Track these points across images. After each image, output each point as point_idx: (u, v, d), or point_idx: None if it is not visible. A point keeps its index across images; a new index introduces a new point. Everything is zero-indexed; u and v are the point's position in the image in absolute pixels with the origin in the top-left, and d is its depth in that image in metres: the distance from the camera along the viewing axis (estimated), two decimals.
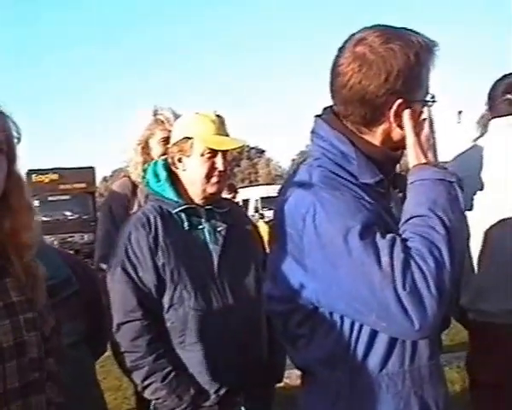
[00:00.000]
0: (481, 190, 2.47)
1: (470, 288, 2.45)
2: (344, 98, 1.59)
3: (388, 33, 1.55)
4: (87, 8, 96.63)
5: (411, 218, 1.49)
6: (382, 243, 1.41)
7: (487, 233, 2.48)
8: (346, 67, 1.55)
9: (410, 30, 1.59)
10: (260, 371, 2.32)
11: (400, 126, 1.59)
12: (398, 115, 1.57)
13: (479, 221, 2.41)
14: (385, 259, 1.38)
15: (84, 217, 19.32)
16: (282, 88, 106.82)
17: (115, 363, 2.29)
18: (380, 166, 1.63)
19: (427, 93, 1.62)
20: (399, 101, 1.55)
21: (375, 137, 1.62)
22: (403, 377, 1.53)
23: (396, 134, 1.61)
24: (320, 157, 1.62)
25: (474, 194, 2.48)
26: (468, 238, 2.38)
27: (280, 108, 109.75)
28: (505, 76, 2.72)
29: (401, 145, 1.63)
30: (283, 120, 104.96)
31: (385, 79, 1.52)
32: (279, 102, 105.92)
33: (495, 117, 2.67)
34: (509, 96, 2.64)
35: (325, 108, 1.69)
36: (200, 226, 2.32)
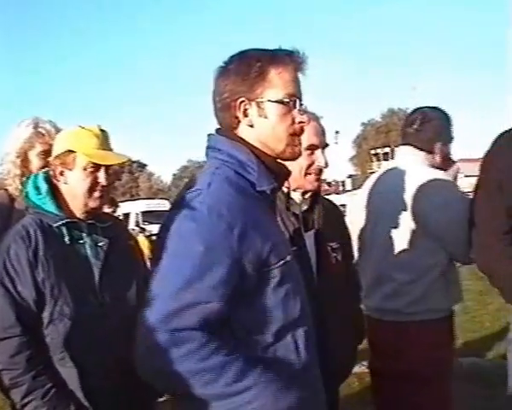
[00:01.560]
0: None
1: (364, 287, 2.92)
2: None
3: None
4: None
5: None
6: None
7: (364, 242, 2.94)
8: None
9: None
10: (142, 388, 2.32)
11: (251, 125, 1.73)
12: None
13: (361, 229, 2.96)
14: None
15: None
16: (165, 104, 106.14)
17: None
18: (274, 176, 1.75)
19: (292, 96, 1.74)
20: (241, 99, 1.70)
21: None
22: None
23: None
24: (220, 166, 1.70)
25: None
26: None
27: (162, 124, 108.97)
28: (416, 110, 3.15)
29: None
30: (165, 134, 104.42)
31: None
32: (162, 118, 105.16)
33: (403, 144, 3.10)
34: (414, 127, 3.07)
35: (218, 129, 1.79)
36: (82, 241, 2.30)
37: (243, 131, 1.74)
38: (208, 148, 1.78)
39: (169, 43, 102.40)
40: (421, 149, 3.02)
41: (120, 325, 2.18)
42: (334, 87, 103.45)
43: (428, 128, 3.05)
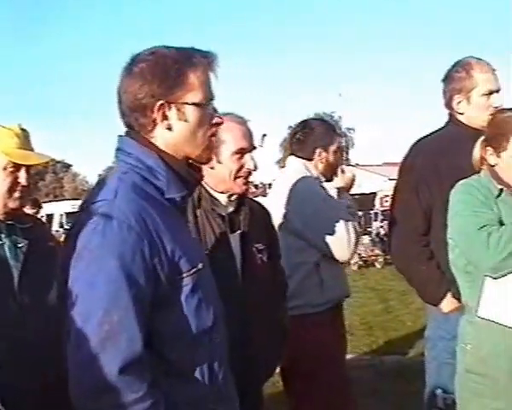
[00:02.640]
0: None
1: None
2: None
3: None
4: None
5: None
6: None
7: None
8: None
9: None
10: (65, 389, 2.27)
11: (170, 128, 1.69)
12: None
13: None
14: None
15: None
16: (92, 104, 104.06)
17: None
18: (184, 181, 1.71)
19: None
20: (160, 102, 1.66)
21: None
22: None
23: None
24: (127, 171, 1.65)
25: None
26: None
27: (88, 123, 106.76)
28: (301, 121, 3.43)
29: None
30: (91, 135, 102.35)
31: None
32: (87, 116, 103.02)
33: (289, 155, 3.36)
34: (296, 137, 3.34)
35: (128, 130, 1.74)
36: (0, 242, 2.23)
37: (160, 134, 1.68)
38: (118, 150, 1.73)
39: (90, 41, 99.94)
40: (303, 158, 3.24)
41: (40, 327, 2.14)
42: (262, 90, 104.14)
43: (309, 137, 3.26)
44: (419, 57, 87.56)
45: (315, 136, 3.25)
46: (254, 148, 2.52)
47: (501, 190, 2.50)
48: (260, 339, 2.36)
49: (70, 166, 64.97)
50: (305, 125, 3.35)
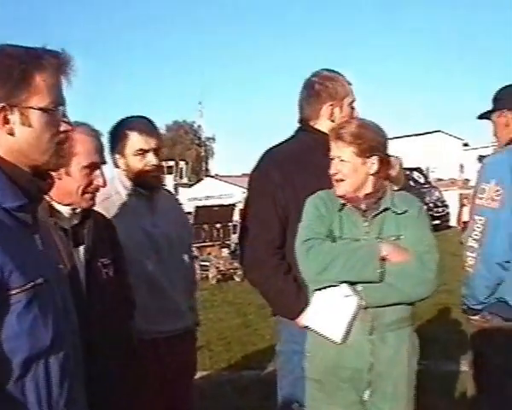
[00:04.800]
0: None
1: None
2: None
3: None
4: None
5: None
6: None
7: None
8: None
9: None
10: None
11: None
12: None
13: None
14: None
15: None
16: None
17: None
18: (24, 191, 1.57)
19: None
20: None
21: None
22: None
23: None
24: None
25: None
26: None
27: None
28: None
29: None
30: None
31: None
32: None
33: None
34: None
35: None
36: None
37: (1, 139, 1.55)
38: None
39: None
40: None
41: None
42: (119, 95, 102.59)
43: None
44: (281, 67, 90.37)
45: None
46: (104, 162, 2.45)
47: (343, 204, 2.59)
48: (104, 356, 2.26)
49: None
50: None
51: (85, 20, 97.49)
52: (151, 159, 2.95)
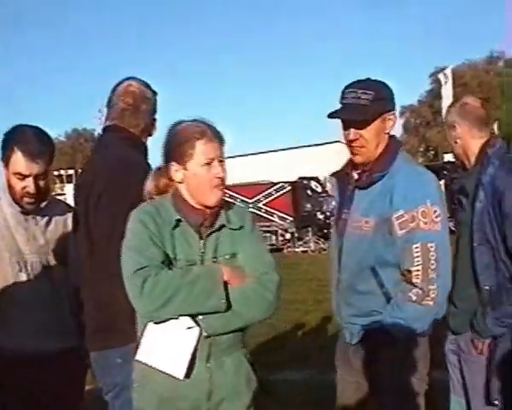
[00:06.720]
0: None
1: None
2: None
3: None
4: None
5: None
6: None
7: None
8: None
9: None
10: None
11: None
12: None
13: None
14: None
15: None
16: None
17: None
18: None
19: None
20: None
21: None
22: None
23: None
24: None
25: None
26: None
27: None
28: None
29: None
30: None
31: None
32: None
33: None
34: None
35: None
36: None
37: None
38: None
39: None
40: None
41: None
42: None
43: None
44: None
45: None
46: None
47: (178, 220, 2.35)
48: None
49: None
50: None
51: None
52: (29, 184, 2.79)
